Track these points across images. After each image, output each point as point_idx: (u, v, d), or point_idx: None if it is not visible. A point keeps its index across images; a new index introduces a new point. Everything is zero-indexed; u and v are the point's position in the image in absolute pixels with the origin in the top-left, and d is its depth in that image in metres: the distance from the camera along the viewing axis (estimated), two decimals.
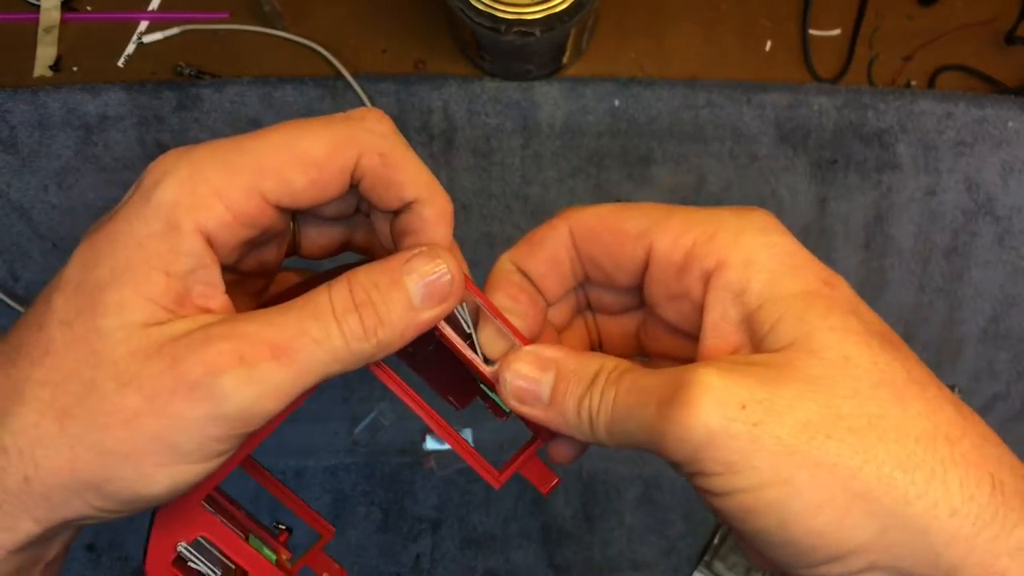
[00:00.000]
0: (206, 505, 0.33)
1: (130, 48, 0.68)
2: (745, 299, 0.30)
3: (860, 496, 0.26)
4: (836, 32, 0.70)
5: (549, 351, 0.33)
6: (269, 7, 0.67)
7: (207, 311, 0.30)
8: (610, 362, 0.32)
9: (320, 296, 0.30)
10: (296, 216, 0.35)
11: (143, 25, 0.68)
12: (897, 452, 0.26)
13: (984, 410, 0.69)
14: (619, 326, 0.37)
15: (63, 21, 0.68)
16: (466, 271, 0.33)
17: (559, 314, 0.36)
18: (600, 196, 0.66)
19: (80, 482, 0.28)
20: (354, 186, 0.32)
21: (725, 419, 0.27)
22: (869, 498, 0.26)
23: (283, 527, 0.38)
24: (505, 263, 0.35)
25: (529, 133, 0.67)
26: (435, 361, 0.35)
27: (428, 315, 0.31)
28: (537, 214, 0.66)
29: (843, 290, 0.30)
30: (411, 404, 0.34)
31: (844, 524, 0.26)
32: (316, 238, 0.36)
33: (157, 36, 0.68)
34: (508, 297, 0.34)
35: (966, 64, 0.69)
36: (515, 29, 0.57)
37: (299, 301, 0.30)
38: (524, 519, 0.66)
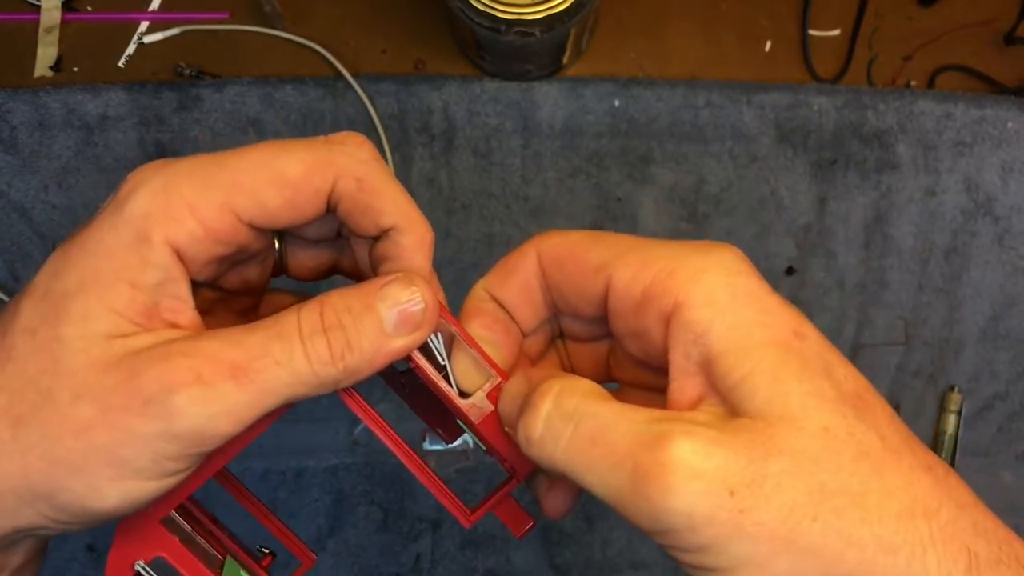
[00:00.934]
0: (179, 521, 0.33)
1: (130, 48, 0.68)
2: (706, 342, 0.28)
3: None
4: (836, 32, 0.70)
5: (530, 371, 0.33)
6: (269, 7, 0.67)
7: (175, 326, 0.30)
8: (566, 387, 0.30)
9: (288, 316, 0.29)
10: (281, 236, 0.35)
11: (143, 25, 0.68)
12: (880, 534, 0.26)
13: (984, 410, 0.69)
14: (590, 353, 0.36)
15: (64, 21, 0.68)
16: (442, 300, 0.33)
17: (534, 344, 0.36)
18: (600, 196, 0.66)
19: (31, 491, 0.28)
20: (332, 210, 0.32)
21: (711, 507, 0.25)
22: None
23: (266, 551, 0.37)
24: (479, 291, 0.34)
25: (529, 133, 0.67)
26: (420, 393, 0.34)
27: (400, 343, 0.30)
28: (537, 214, 0.66)
29: (813, 342, 0.28)
30: (379, 433, 0.34)
31: None
32: (303, 259, 0.35)
33: (157, 36, 0.68)
34: (483, 327, 0.33)
35: (966, 64, 0.69)
36: (515, 29, 0.57)
37: (267, 321, 0.29)
38: None
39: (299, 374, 0.29)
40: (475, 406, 0.33)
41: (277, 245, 0.35)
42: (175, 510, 0.33)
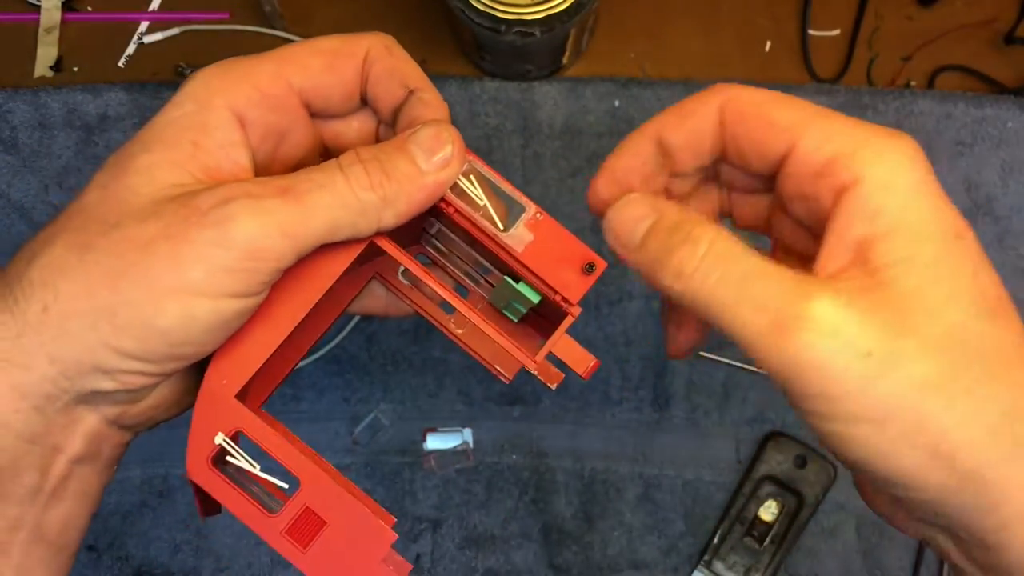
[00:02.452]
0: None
1: (131, 48, 0.68)
2: (875, 221, 0.29)
3: (945, 455, 0.27)
4: (835, 32, 0.70)
5: (660, 202, 0.32)
6: (269, 7, 0.67)
7: None
8: (720, 233, 0.31)
9: (329, 161, 0.32)
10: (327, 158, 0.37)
11: (144, 25, 0.69)
12: (990, 422, 0.27)
13: None
14: (748, 204, 0.37)
15: (64, 21, 0.68)
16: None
17: (683, 184, 0.36)
18: None
19: (95, 308, 0.29)
20: (365, 104, 0.35)
21: (845, 368, 0.27)
22: (953, 458, 0.27)
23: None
24: (648, 129, 0.34)
25: (529, 133, 0.67)
26: (478, 329, 0.35)
27: (434, 178, 0.33)
28: None
29: (970, 243, 0.29)
30: (424, 277, 0.35)
31: (925, 472, 0.27)
32: None
33: (158, 36, 0.68)
34: (632, 155, 0.34)
35: (965, 64, 0.69)
36: (515, 29, 0.57)
37: (310, 167, 0.32)
38: (524, 519, 0.66)
39: (341, 195, 0.31)
40: (515, 236, 0.35)
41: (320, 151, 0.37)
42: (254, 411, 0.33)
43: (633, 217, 0.32)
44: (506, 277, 0.36)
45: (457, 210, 0.34)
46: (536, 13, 0.57)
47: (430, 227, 0.39)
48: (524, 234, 0.35)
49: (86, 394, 0.31)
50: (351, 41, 0.35)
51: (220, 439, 0.32)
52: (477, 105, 0.66)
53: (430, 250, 0.39)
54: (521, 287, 0.35)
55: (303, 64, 0.34)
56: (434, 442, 0.65)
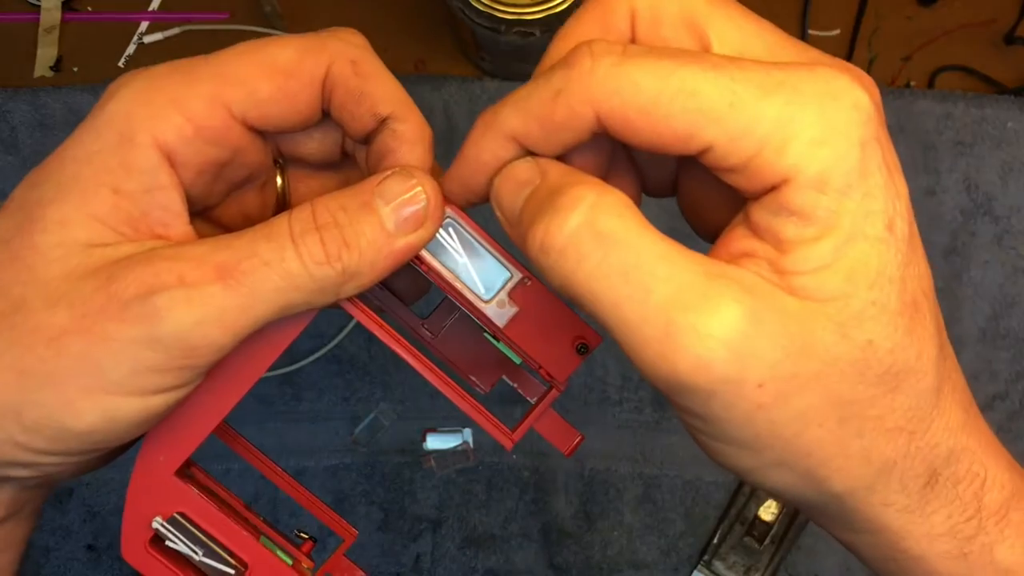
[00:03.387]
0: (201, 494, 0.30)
1: (131, 48, 0.68)
2: (801, 226, 0.24)
3: (822, 479, 0.26)
4: (835, 32, 0.70)
5: (549, 163, 0.27)
6: (269, 7, 0.67)
7: (164, 240, 0.27)
8: (602, 197, 0.24)
9: (278, 219, 0.27)
10: (283, 167, 0.33)
11: (143, 25, 0.68)
12: (866, 445, 0.26)
13: (983, 409, 0.69)
14: (652, 166, 0.31)
15: (64, 21, 0.68)
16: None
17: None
18: None
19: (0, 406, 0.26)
20: (327, 110, 0.30)
21: (736, 395, 0.24)
22: (827, 482, 0.26)
23: (305, 535, 0.34)
24: (499, 130, 0.27)
25: None
26: (452, 333, 0.33)
27: (404, 242, 0.28)
28: None
29: (899, 234, 0.25)
30: (398, 349, 0.31)
31: (798, 489, 0.27)
32: (306, 190, 0.33)
33: (158, 36, 0.68)
34: (484, 161, 0.28)
35: (966, 64, 0.69)
36: (515, 29, 0.57)
37: (257, 226, 0.27)
38: (524, 519, 0.66)
39: (292, 276, 0.26)
40: (497, 309, 0.30)
41: (279, 180, 0.33)
42: (196, 486, 0.30)
43: (517, 181, 0.27)
44: (486, 335, 0.32)
45: (431, 269, 0.30)
46: (536, 13, 0.57)
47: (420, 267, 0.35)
48: (508, 305, 0.30)
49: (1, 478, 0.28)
50: (309, 53, 0.28)
51: (157, 523, 0.29)
52: (477, 105, 0.66)
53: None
54: (501, 347, 0.31)
55: (248, 89, 0.28)
56: (434, 442, 0.65)
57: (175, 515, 0.30)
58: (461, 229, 0.30)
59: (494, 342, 0.31)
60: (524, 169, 0.27)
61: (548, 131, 0.26)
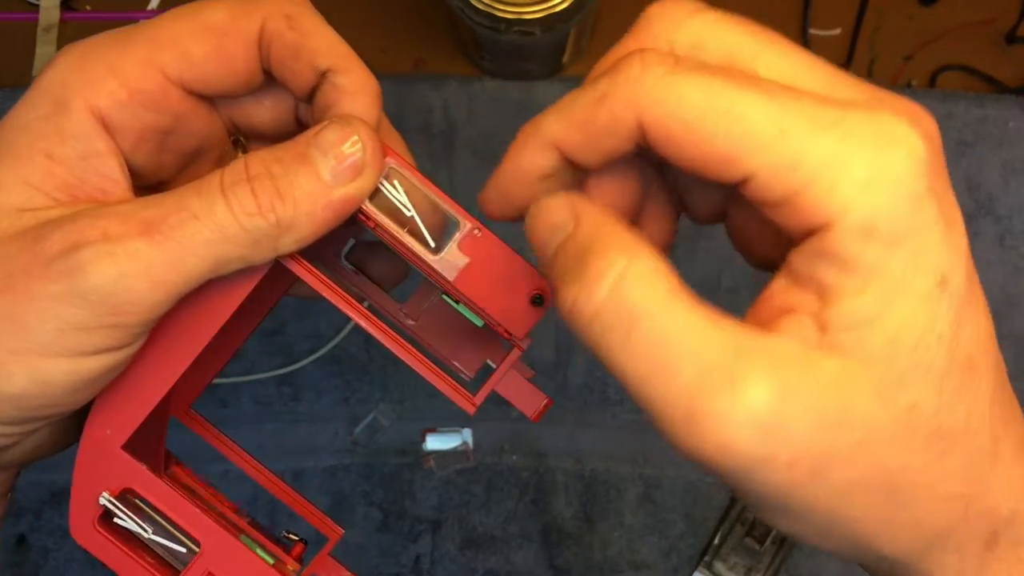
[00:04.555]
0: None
1: None
2: (844, 274, 0.23)
3: (871, 548, 0.25)
4: (836, 32, 0.70)
5: (583, 206, 0.25)
6: None
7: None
8: (634, 263, 0.23)
9: (211, 175, 0.26)
10: (243, 145, 0.32)
11: None
12: (916, 515, 0.24)
13: None
14: (700, 191, 0.29)
15: (62, 21, 0.68)
16: (403, 150, 0.29)
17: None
18: None
19: None
20: (266, 69, 0.29)
21: (766, 474, 0.23)
22: (879, 551, 0.25)
23: (295, 537, 0.33)
24: (541, 137, 0.26)
25: None
26: (433, 318, 0.31)
27: (342, 192, 0.27)
28: None
29: (954, 290, 0.24)
30: (337, 300, 0.30)
31: (851, 555, 0.26)
32: None
33: None
34: (526, 171, 0.27)
35: (967, 64, 0.69)
36: (515, 29, 0.57)
37: (189, 184, 0.26)
38: (524, 519, 0.66)
39: (222, 227, 0.26)
40: (447, 260, 0.29)
41: (236, 152, 0.32)
42: (170, 481, 0.29)
43: (550, 225, 0.25)
44: (444, 296, 0.31)
45: (378, 224, 0.29)
46: (536, 13, 0.57)
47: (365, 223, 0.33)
48: (457, 257, 0.29)
49: None
50: (241, 12, 0.28)
51: (104, 499, 0.28)
52: (477, 105, 0.66)
53: (377, 228, 0.32)
54: (461, 309, 0.30)
55: (181, 50, 0.28)
56: (434, 442, 0.65)
57: (124, 491, 0.29)
58: (407, 180, 0.29)
59: (454, 304, 0.30)
60: (558, 210, 0.25)
61: (589, 136, 0.25)
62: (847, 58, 0.69)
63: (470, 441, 0.66)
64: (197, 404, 0.37)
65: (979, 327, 0.25)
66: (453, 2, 0.57)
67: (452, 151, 0.66)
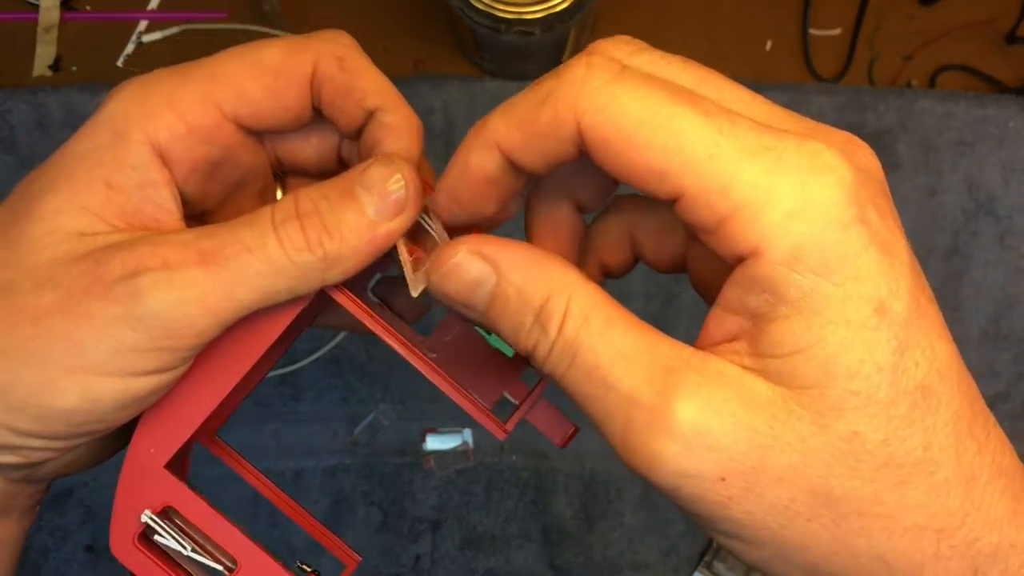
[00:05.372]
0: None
1: (129, 48, 0.68)
2: (773, 303, 0.23)
3: (824, 571, 0.25)
4: (836, 32, 0.70)
5: (495, 251, 0.26)
6: (268, 6, 0.67)
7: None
8: (575, 302, 0.25)
9: (263, 210, 0.28)
10: (282, 179, 0.33)
11: (142, 25, 0.68)
12: (878, 546, 0.24)
13: None
14: (654, 226, 0.30)
15: (62, 21, 0.68)
16: (434, 181, 0.30)
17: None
18: None
19: None
20: (317, 107, 0.30)
21: (698, 489, 0.23)
22: (831, 574, 0.25)
23: (308, 568, 0.33)
24: (485, 140, 0.27)
25: None
26: (453, 351, 0.32)
27: (386, 228, 0.28)
28: None
29: (895, 317, 0.23)
30: (387, 339, 0.31)
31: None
32: None
33: (156, 36, 0.68)
34: (474, 174, 0.28)
35: (967, 64, 0.69)
36: (515, 29, 0.57)
37: (242, 216, 0.28)
38: (524, 520, 0.66)
39: (273, 261, 0.27)
40: None
41: (279, 191, 0.33)
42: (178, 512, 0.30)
43: (467, 282, 0.26)
44: (476, 327, 0.32)
45: (415, 257, 0.30)
46: (536, 13, 0.57)
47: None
48: None
49: None
50: (295, 53, 0.29)
51: (147, 517, 0.29)
52: (477, 105, 0.66)
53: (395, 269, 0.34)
54: (493, 339, 0.31)
55: (238, 89, 0.29)
56: (434, 442, 0.65)
57: (165, 509, 0.30)
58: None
59: (486, 336, 0.31)
60: (471, 266, 0.26)
61: (530, 138, 0.26)
62: (847, 58, 0.69)
63: (470, 441, 0.65)
64: None
65: (935, 353, 0.24)
66: (453, 2, 0.57)
67: (452, 151, 0.66)
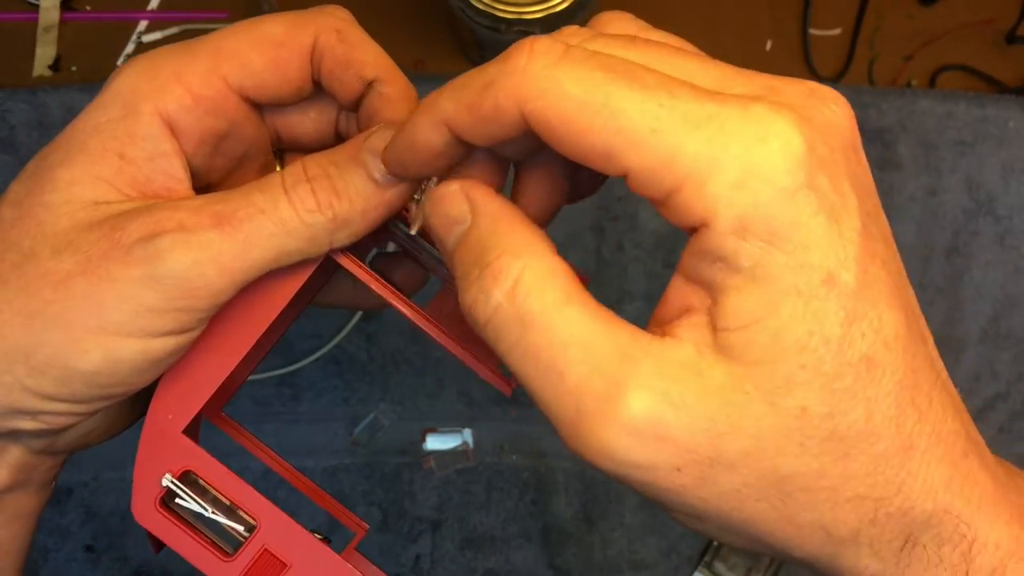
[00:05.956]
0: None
1: (130, 48, 0.68)
2: (724, 272, 0.23)
3: (775, 546, 0.25)
4: (836, 31, 0.70)
5: (480, 198, 0.26)
6: (268, 6, 0.67)
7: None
8: (529, 268, 0.24)
9: (273, 175, 0.29)
10: (281, 155, 0.34)
11: (142, 25, 0.68)
12: (820, 518, 0.24)
13: (985, 410, 0.69)
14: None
15: (62, 21, 0.68)
16: None
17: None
18: (600, 195, 0.66)
19: (7, 350, 0.27)
20: (317, 80, 0.31)
21: (651, 477, 0.23)
22: (783, 549, 0.25)
23: (319, 536, 0.34)
24: (434, 115, 0.27)
25: None
26: (452, 321, 0.33)
27: (394, 192, 0.29)
28: None
29: (843, 288, 0.23)
30: (392, 299, 0.32)
31: (758, 548, 0.26)
32: None
33: (156, 36, 0.68)
34: (421, 147, 0.28)
35: (967, 64, 0.69)
36: (515, 29, 0.57)
37: (252, 182, 0.29)
38: (524, 519, 0.66)
39: (285, 222, 0.28)
40: None
41: (279, 166, 0.34)
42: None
43: (447, 217, 0.27)
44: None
45: (414, 219, 0.31)
46: (536, 13, 0.57)
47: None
48: None
49: (6, 433, 0.29)
50: (297, 26, 0.31)
51: (167, 481, 0.30)
52: None
53: (399, 236, 0.35)
54: None
55: (242, 60, 0.30)
56: (434, 442, 0.65)
57: (184, 473, 0.30)
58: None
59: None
60: (454, 203, 0.27)
61: (476, 121, 0.26)
62: (847, 58, 0.69)
63: (470, 441, 0.66)
64: None
65: (882, 323, 0.24)
66: (453, 2, 0.57)
67: None
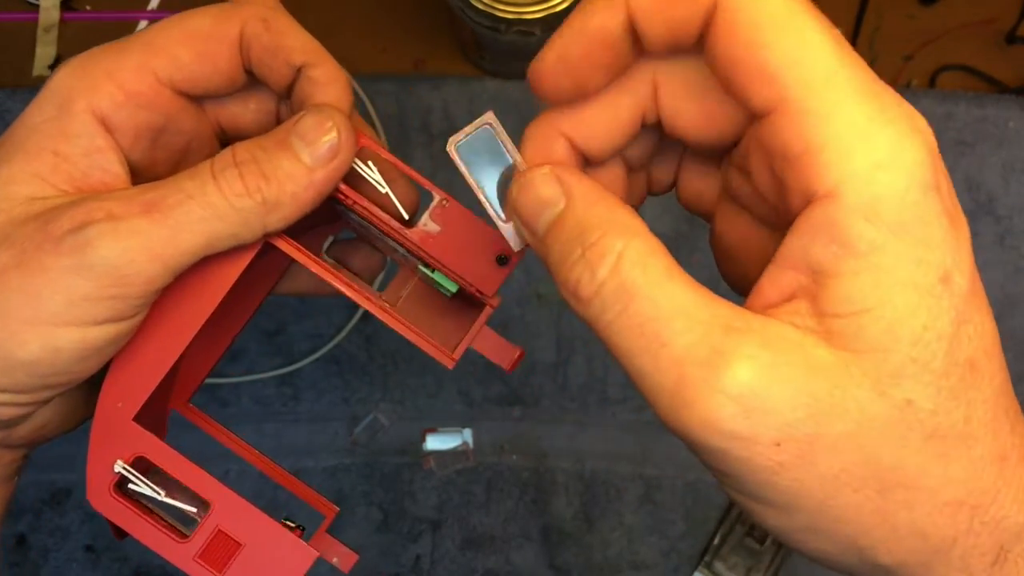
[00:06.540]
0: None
1: None
2: (842, 254, 0.23)
3: (865, 549, 0.25)
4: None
5: (574, 181, 0.26)
6: None
7: None
8: (631, 246, 0.24)
9: (202, 163, 0.29)
10: (224, 145, 0.34)
11: (142, 24, 0.68)
12: (916, 520, 0.24)
13: None
14: (697, 176, 0.31)
15: (62, 21, 0.68)
16: (371, 133, 0.33)
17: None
18: None
19: None
20: (248, 70, 0.32)
21: (749, 452, 0.23)
22: (871, 552, 0.25)
23: (292, 524, 0.35)
24: (551, 128, 0.28)
25: None
26: (410, 305, 0.34)
27: (322, 173, 0.30)
28: None
29: (956, 289, 0.23)
30: (331, 279, 0.32)
31: (838, 557, 0.25)
32: None
33: None
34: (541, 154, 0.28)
35: (967, 64, 0.69)
36: (515, 29, 0.57)
37: (182, 171, 0.29)
38: (524, 519, 0.66)
39: (214, 207, 0.29)
40: (420, 230, 0.32)
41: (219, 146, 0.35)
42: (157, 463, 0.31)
43: (538, 199, 0.26)
44: (420, 266, 0.33)
45: (356, 201, 0.32)
46: (536, 13, 0.57)
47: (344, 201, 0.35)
48: (430, 226, 0.32)
49: None
50: (223, 18, 0.31)
51: (119, 467, 0.30)
52: (477, 105, 0.66)
53: (354, 222, 0.35)
54: (437, 276, 0.33)
55: (171, 55, 0.31)
56: (434, 443, 0.65)
57: (136, 459, 0.31)
58: (380, 159, 0.32)
59: (429, 273, 0.33)
60: (546, 185, 0.26)
61: (663, 3, 0.25)
62: None
63: (470, 441, 0.66)
64: (198, 405, 0.37)
65: (984, 329, 0.24)
66: (453, 2, 0.57)
67: None
